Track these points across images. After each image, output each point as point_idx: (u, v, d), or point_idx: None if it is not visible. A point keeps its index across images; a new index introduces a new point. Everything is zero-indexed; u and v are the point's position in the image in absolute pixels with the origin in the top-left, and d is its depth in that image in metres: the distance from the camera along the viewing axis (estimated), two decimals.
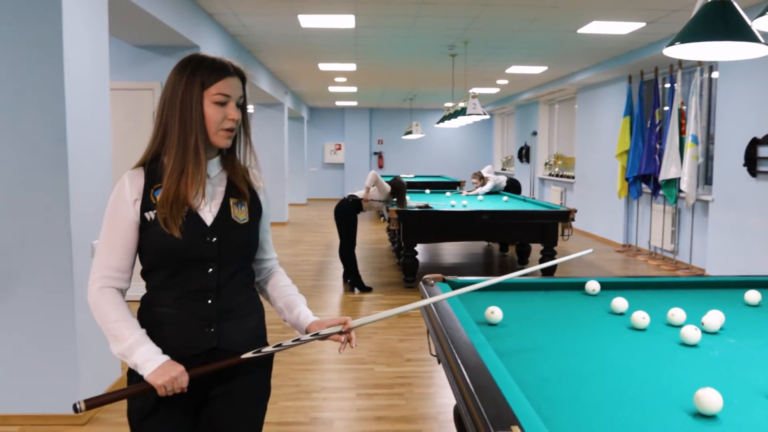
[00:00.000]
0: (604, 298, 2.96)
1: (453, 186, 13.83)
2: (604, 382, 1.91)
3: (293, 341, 1.89)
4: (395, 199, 7.66)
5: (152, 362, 1.72)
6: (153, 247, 1.79)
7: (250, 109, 13.76)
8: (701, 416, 1.65)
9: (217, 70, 1.80)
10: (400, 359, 4.99)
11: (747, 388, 1.86)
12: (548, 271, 7.24)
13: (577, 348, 2.26)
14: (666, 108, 9.14)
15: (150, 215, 1.79)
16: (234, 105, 1.83)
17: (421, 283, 3.06)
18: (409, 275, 7.54)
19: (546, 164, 15.27)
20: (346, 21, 7.36)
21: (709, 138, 8.66)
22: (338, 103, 19.34)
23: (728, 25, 2.43)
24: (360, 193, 7.55)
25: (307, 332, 1.93)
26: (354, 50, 9.47)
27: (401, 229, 7.48)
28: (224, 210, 1.86)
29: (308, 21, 7.37)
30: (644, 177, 9.42)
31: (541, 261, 7.57)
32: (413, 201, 8.50)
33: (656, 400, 1.77)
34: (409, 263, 7.51)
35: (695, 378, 1.94)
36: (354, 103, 19.38)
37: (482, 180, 10.60)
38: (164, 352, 1.77)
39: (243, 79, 1.87)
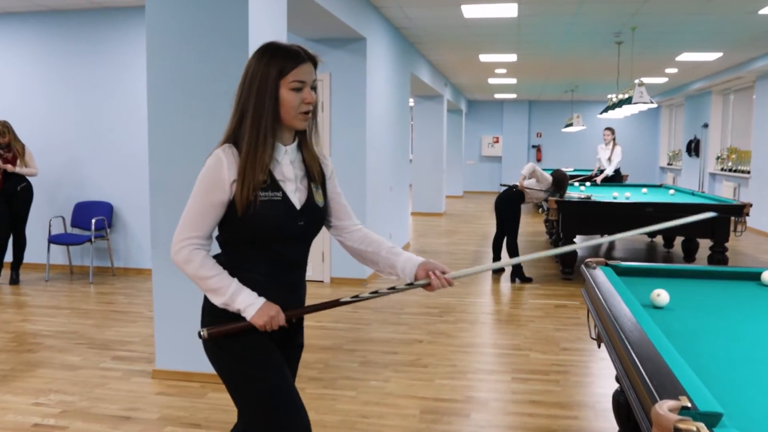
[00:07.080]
0: None
1: (615, 180, 13.31)
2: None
3: (389, 289, 2.09)
4: (558, 193, 7.56)
5: (252, 306, 1.95)
6: (249, 223, 1.94)
7: (411, 102, 14.07)
8: None
9: (292, 57, 1.92)
10: (556, 347, 4.96)
11: None
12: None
13: (745, 333, 2.19)
14: None
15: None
16: (309, 89, 1.95)
17: (582, 266, 3.07)
18: (567, 267, 7.43)
19: (718, 158, 14.32)
20: (508, 10, 7.34)
21: None
22: (497, 96, 19.22)
23: None
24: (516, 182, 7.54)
25: (416, 277, 2.08)
26: (516, 40, 9.41)
27: (560, 220, 7.38)
28: (310, 194, 2.04)
29: (471, 11, 7.42)
30: None
31: (710, 259, 7.17)
32: (573, 192, 8.34)
33: None
34: (566, 254, 7.38)
35: None
36: (513, 96, 19.18)
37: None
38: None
39: (315, 64, 1.99)
